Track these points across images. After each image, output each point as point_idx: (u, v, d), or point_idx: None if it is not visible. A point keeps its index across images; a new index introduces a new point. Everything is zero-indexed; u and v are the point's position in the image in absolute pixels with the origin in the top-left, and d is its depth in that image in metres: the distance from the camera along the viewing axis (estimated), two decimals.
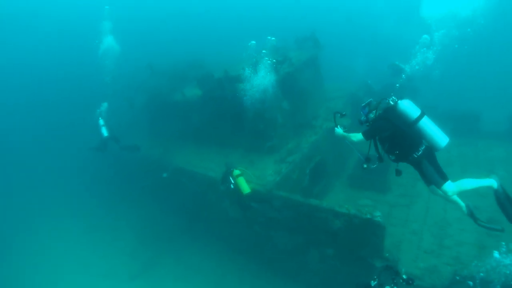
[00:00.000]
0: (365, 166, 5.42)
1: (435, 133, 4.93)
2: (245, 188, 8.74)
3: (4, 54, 34.15)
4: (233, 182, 8.92)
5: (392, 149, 5.15)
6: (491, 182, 5.03)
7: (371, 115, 5.27)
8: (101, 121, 12.66)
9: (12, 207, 20.66)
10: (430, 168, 5.02)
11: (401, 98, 5.08)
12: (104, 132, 12.46)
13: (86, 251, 15.28)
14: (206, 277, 11.90)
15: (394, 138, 5.04)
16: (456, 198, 5.20)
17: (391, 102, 5.04)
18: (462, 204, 5.24)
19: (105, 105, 13.81)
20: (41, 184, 22.66)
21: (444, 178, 5.04)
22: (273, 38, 10.91)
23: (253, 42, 11.21)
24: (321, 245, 8.88)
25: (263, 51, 11.03)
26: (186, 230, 14.17)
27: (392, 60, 16.45)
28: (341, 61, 22.52)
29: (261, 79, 10.18)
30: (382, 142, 5.25)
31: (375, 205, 10.77)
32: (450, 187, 5.01)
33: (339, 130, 5.64)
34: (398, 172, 5.29)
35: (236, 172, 9.00)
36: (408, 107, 4.93)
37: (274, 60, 10.73)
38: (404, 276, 4.44)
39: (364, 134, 5.22)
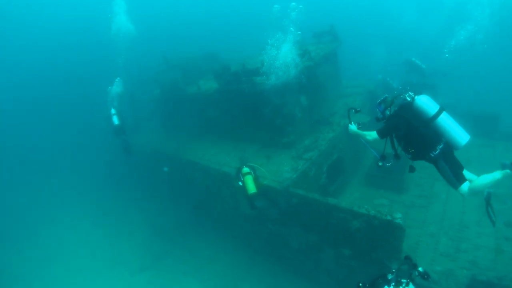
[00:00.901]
0: (380, 164, 5.32)
1: (455, 130, 4.69)
2: (251, 187, 8.46)
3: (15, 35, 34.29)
4: (241, 179, 8.69)
5: (407, 148, 4.96)
6: (507, 172, 4.62)
7: (387, 112, 5.07)
8: (113, 111, 12.88)
9: (26, 195, 20.94)
10: (446, 168, 4.77)
11: (418, 93, 4.85)
12: (115, 120, 12.66)
13: (97, 240, 15.46)
14: (216, 271, 11.85)
15: (409, 137, 4.84)
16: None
17: (408, 98, 4.82)
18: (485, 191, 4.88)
19: (118, 86, 13.87)
20: (55, 173, 22.90)
21: (460, 180, 4.79)
22: (298, 32, 10.54)
23: (277, 6, 10.84)
24: (337, 245, 8.70)
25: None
26: (198, 224, 14.17)
27: (408, 56, 16.14)
28: (359, 57, 22.09)
29: (280, 72, 9.93)
30: (398, 140, 5.07)
31: (392, 205, 10.60)
32: (465, 190, 4.76)
33: (353, 127, 5.48)
34: (412, 169, 5.11)
35: (245, 170, 8.73)
36: (426, 103, 4.71)
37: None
38: (420, 269, 4.27)
39: (378, 132, 5.05)
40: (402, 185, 11.08)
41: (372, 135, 5.15)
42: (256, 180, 8.70)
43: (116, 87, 13.85)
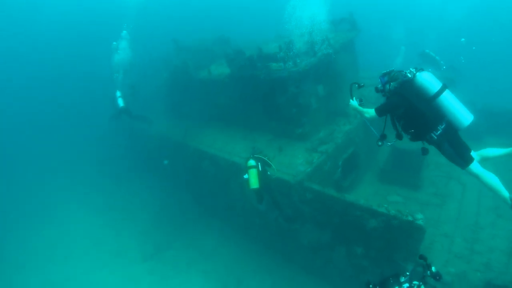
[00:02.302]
0: (379, 143, 5.10)
1: (457, 110, 4.47)
2: (253, 182, 7.99)
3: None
4: (247, 171, 8.23)
5: (407, 127, 4.77)
6: None
7: (387, 86, 4.83)
8: (118, 93, 13.00)
9: (29, 184, 20.67)
10: (450, 150, 4.59)
11: (420, 70, 4.60)
12: (120, 102, 12.71)
13: (100, 229, 15.19)
14: (221, 263, 11.60)
15: (409, 115, 4.66)
16: (496, 185, 4.53)
17: (409, 75, 4.59)
18: (506, 195, 4.50)
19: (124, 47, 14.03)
20: (57, 163, 22.64)
21: (467, 161, 4.57)
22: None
23: None
24: (350, 243, 8.39)
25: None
26: (203, 213, 13.84)
27: (423, 48, 15.59)
28: (378, 46, 21.38)
29: (298, 59, 9.36)
30: (397, 119, 4.89)
31: (406, 202, 10.31)
32: (475, 168, 4.56)
33: (354, 102, 5.30)
34: (425, 151, 4.80)
35: (251, 162, 8.22)
36: (427, 80, 4.47)
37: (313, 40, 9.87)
38: (433, 269, 4.09)
39: (376, 110, 4.89)
40: (417, 182, 10.74)
41: (370, 112, 5.00)
42: (261, 174, 8.17)
43: (122, 52, 13.72)
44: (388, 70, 4.94)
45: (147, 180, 17.27)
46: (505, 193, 4.49)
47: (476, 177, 4.60)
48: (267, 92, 10.37)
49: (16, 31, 32.91)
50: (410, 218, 6.77)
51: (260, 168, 8.22)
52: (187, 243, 12.94)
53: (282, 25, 10.48)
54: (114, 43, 14.35)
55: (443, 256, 7.99)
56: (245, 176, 8.22)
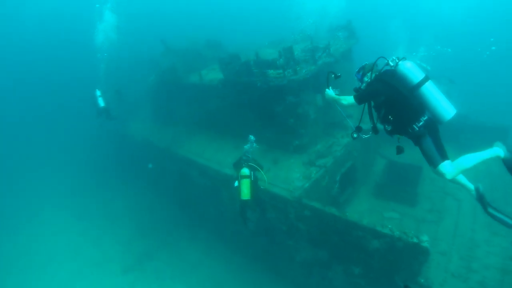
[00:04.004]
0: (355, 135, 4.84)
1: (439, 102, 4.23)
2: (245, 193, 7.48)
3: None
4: (239, 179, 7.69)
5: (388, 117, 4.45)
6: (497, 151, 4.29)
7: (366, 79, 4.54)
8: (98, 92, 12.68)
9: (5, 186, 19.68)
10: (431, 145, 4.33)
11: (403, 59, 4.34)
12: (101, 102, 12.50)
13: (79, 235, 14.57)
14: (206, 277, 11.13)
15: (391, 104, 4.35)
16: (462, 179, 4.46)
17: (391, 63, 4.32)
18: (471, 186, 4.42)
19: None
20: (36, 164, 21.69)
21: (443, 157, 4.32)
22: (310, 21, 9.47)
23: None
24: (347, 262, 7.97)
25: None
26: (189, 223, 13.28)
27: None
28: (374, 54, 21.05)
29: (298, 67, 8.81)
30: (377, 109, 4.58)
31: (402, 219, 10.03)
32: (448, 168, 4.27)
33: (330, 91, 4.97)
34: (400, 150, 4.54)
35: (244, 171, 7.64)
36: (410, 69, 4.24)
37: (312, 47, 9.35)
38: None
39: (355, 97, 4.53)
40: (415, 198, 10.43)
41: (348, 99, 4.65)
42: (253, 184, 7.66)
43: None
44: (360, 66, 4.71)
45: (131, 186, 16.59)
46: (470, 186, 4.41)
47: (443, 176, 4.32)
48: (263, 100, 9.75)
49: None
50: (415, 240, 6.43)
51: (252, 178, 7.67)
52: (171, 253, 12.36)
53: (278, 30, 9.97)
54: (97, 5, 13.90)
55: (440, 275, 7.80)
56: (236, 184, 7.72)
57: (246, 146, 8.28)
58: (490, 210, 4.27)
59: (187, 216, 13.30)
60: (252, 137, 8.34)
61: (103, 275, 12.09)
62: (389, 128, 4.54)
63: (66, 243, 14.12)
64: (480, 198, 4.31)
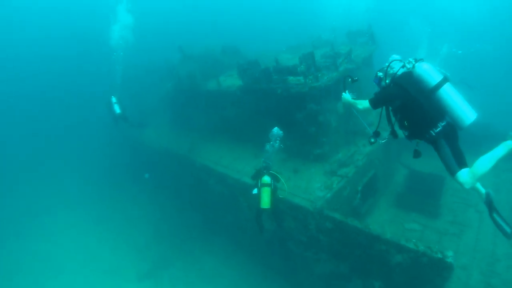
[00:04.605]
0: (372, 140, 4.78)
1: (459, 105, 3.99)
2: (265, 202, 7.28)
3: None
4: (258, 187, 7.50)
5: (404, 122, 4.35)
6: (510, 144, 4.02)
7: (383, 83, 4.49)
8: (114, 99, 12.54)
9: (22, 194, 19.91)
10: (447, 150, 4.12)
11: (420, 60, 4.19)
12: (117, 109, 12.38)
13: (94, 241, 14.54)
14: (222, 286, 10.90)
15: (407, 109, 4.24)
16: (477, 185, 4.28)
17: (407, 65, 4.22)
18: (483, 190, 4.26)
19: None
20: (52, 172, 21.86)
21: (461, 165, 4.09)
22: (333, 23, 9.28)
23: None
24: (368, 276, 7.70)
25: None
26: (206, 230, 13.08)
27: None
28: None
29: (319, 74, 8.59)
30: (394, 113, 4.51)
31: (424, 230, 9.71)
32: (465, 177, 4.03)
33: (347, 95, 4.95)
34: (417, 154, 4.50)
35: (266, 180, 7.47)
36: (427, 71, 4.05)
37: (333, 52, 9.12)
38: None
39: (370, 101, 4.47)
40: (437, 209, 10.12)
41: (363, 104, 4.61)
42: (273, 193, 7.47)
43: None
44: (377, 70, 4.63)
45: (148, 192, 16.50)
46: (482, 190, 4.27)
47: (461, 185, 4.12)
48: (283, 107, 9.53)
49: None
50: (440, 256, 6.18)
51: (273, 186, 7.50)
52: (187, 261, 12.17)
53: (295, 36, 9.77)
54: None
55: None
56: (255, 192, 7.55)
57: (268, 146, 8.11)
58: (495, 215, 4.14)
59: (203, 224, 13.13)
60: (276, 131, 8.06)
61: (119, 281, 11.99)
62: (406, 133, 4.43)
63: (83, 248, 14.14)
64: (489, 203, 4.16)
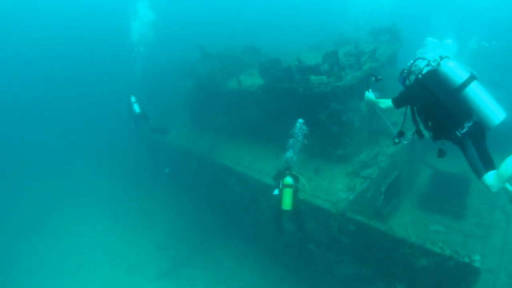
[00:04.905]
0: (396, 140, 4.66)
1: (486, 104, 3.79)
2: (287, 203, 7.22)
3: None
4: (280, 188, 7.42)
5: (428, 122, 4.20)
6: None
7: (407, 82, 4.39)
8: (133, 98, 12.54)
9: (40, 191, 20.32)
10: (474, 151, 3.92)
11: (446, 58, 4.00)
12: (136, 108, 12.35)
13: (114, 238, 14.67)
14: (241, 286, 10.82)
15: (431, 109, 4.09)
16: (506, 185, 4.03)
17: (432, 63, 4.04)
18: (510, 188, 4.06)
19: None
20: (71, 170, 22.27)
21: (488, 168, 3.86)
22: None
23: None
24: (391, 279, 7.53)
25: None
26: (223, 232, 13.01)
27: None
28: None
29: (342, 73, 8.42)
30: (419, 113, 4.35)
31: (449, 232, 9.44)
32: (492, 180, 3.80)
33: (370, 94, 4.88)
34: (441, 153, 4.31)
35: (288, 180, 7.39)
36: (453, 69, 3.88)
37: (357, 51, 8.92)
38: None
39: (393, 100, 4.37)
40: (462, 211, 9.84)
41: (386, 103, 4.51)
42: (295, 194, 7.42)
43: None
44: (401, 69, 4.53)
45: (167, 191, 16.58)
46: (510, 188, 4.06)
47: (488, 188, 3.91)
48: (305, 107, 9.39)
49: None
50: (467, 260, 6.02)
51: (294, 187, 7.45)
52: (206, 260, 12.16)
53: (317, 35, 9.61)
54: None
55: None
56: (275, 192, 7.47)
57: (291, 141, 8.10)
58: None
59: (222, 223, 13.12)
60: (300, 124, 7.99)
61: (138, 279, 12.07)
62: (431, 134, 4.28)
63: (102, 245, 14.30)
64: None
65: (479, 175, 3.91)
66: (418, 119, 4.41)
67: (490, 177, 3.82)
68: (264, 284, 10.61)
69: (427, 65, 4.11)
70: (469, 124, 3.90)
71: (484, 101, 3.81)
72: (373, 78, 4.77)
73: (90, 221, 16.28)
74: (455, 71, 3.88)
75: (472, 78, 3.85)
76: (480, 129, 3.94)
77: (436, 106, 4.01)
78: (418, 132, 4.51)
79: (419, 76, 4.16)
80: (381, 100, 4.66)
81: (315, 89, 8.76)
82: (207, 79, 12.93)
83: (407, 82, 4.37)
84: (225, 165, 11.21)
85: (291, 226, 9.02)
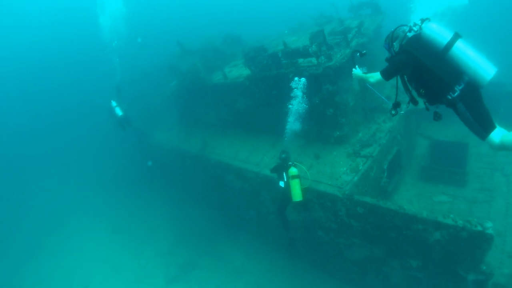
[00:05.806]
0: (393, 112, 4.59)
1: (475, 62, 3.63)
2: (297, 194, 7.04)
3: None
4: (285, 180, 7.24)
5: (419, 89, 4.09)
6: None
7: (392, 49, 4.21)
8: (113, 103, 12.56)
9: (40, 203, 19.97)
10: (467, 114, 3.81)
11: (426, 20, 3.90)
12: (118, 112, 12.38)
13: (118, 252, 14.30)
14: (252, 282, 10.74)
15: (419, 75, 3.98)
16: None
17: (414, 28, 3.92)
18: None
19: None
20: (70, 180, 21.81)
21: (487, 129, 3.77)
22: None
23: None
24: (404, 256, 7.45)
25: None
26: (228, 229, 12.89)
27: None
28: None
29: (331, 52, 8.12)
30: (409, 81, 4.25)
31: (453, 201, 9.39)
32: (496, 139, 3.73)
33: (357, 71, 4.90)
34: (437, 116, 4.15)
35: (293, 171, 7.19)
36: (435, 30, 3.76)
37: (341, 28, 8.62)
38: None
39: (382, 73, 4.30)
40: (464, 178, 9.74)
41: (375, 76, 4.49)
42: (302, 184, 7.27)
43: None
44: (385, 36, 4.37)
45: (165, 196, 16.36)
46: None
47: (499, 148, 3.79)
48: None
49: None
50: (480, 228, 5.97)
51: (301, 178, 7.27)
52: (214, 260, 12.01)
53: (296, 17, 9.26)
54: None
55: (497, 257, 7.36)
56: (281, 184, 7.30)
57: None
58: None
59: (226, 221, 12.97)
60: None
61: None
62: (424, 100, 4.16)
63: (105, 259, 13.98)
64: None
65: (482, 137, 3.83)
66: (410, 87, 4.30)
67: (495, 138, 3.74)
68: (278, 276, 10.49)
69: (409, 30, 3.96)
70: (460, 87, 3.76)
71: (472, 58, 3.66)
72: (358, 54, 4.70)
73: (89, 236, 15.94)
74: (438, 32, 3.75)
75: (456, 36, 3.71)
76: (473, 90, 3.80)
77: (425, 72, 3.88)
78: (413, 100, 4.37)
79: (403, 43, 4.03)
80: (369, 75, 4.62)
81: (305, 72, 8.45)
82: (190, 75, 12.50)
83: (392, 50, 4.21)
84: (221, 161, 10.91)
85: (297, 215, 8.83)
